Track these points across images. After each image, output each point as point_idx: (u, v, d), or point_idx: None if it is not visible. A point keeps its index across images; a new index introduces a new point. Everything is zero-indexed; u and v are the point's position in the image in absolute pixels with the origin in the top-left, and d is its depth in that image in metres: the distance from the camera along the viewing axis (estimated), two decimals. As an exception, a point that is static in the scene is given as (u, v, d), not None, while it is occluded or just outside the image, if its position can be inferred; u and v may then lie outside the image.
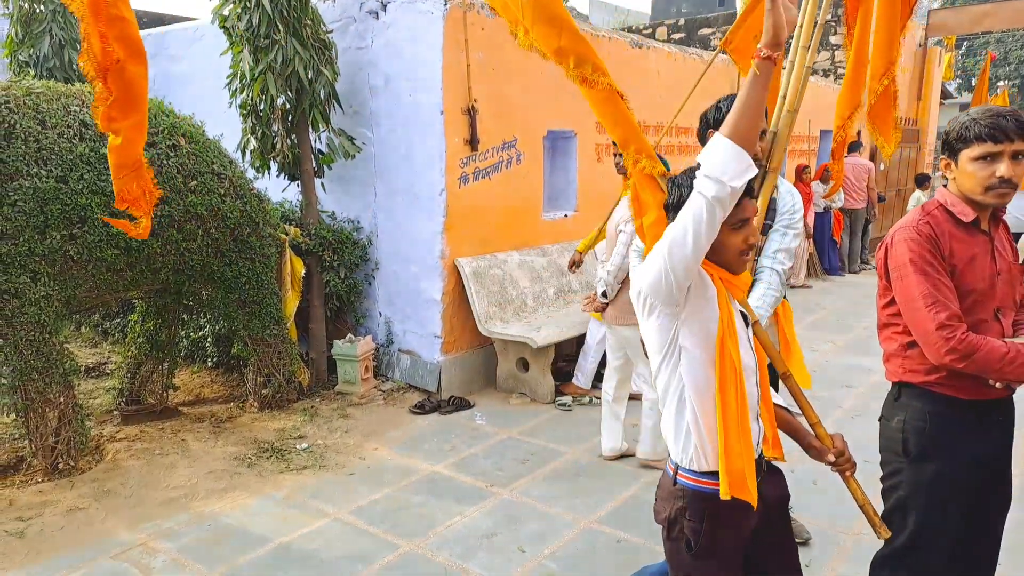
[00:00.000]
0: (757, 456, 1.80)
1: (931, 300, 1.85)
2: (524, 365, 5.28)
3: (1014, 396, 2.05)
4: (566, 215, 6.30)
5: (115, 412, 4.76)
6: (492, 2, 2.21)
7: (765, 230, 2.44)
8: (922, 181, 10.45)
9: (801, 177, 9.16)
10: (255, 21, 4.58)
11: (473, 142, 5.10)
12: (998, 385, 1.91)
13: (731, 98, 2.36)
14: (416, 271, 5.22)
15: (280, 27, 4.59)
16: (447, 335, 5.19)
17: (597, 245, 4.68)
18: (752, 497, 1.69)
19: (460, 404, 5.04)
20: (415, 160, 5.09)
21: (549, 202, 6.38)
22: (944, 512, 1.99)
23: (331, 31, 5.08)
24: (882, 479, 2.14)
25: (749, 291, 2.38)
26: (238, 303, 4.58)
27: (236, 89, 4.93)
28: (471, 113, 5.05)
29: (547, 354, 5.16)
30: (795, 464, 3.66)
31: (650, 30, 14.35)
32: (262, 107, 4.85)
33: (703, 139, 2.57)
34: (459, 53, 4.92)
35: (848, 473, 1.96)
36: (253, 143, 4.98)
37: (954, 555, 2.01)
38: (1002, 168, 1.83)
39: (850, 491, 1.99)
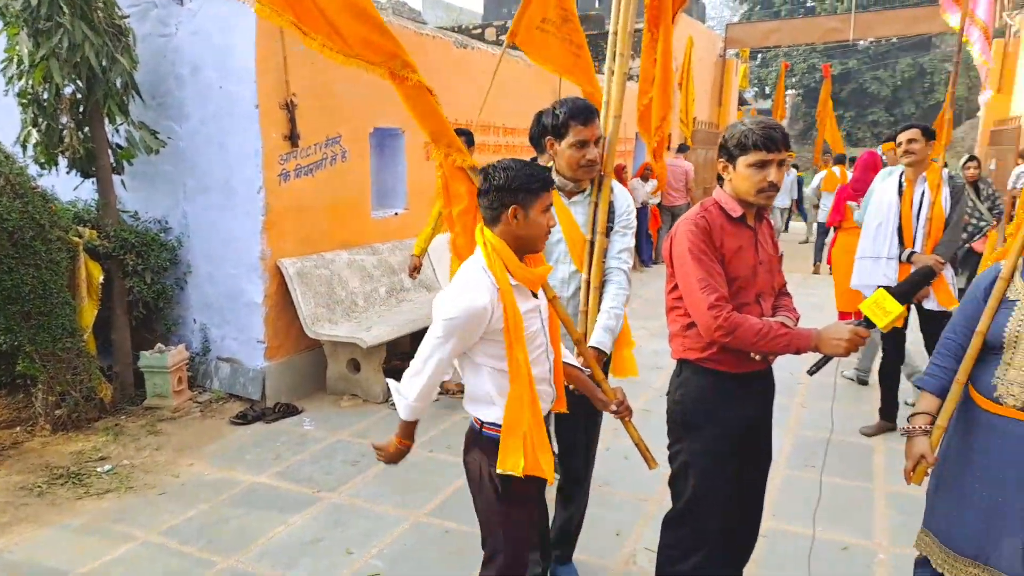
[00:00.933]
0: (546, 414, 2.11)
1: (704, 284, 2.07)
2: (355, 366, 5.18)
3: (773, 369, 2.34)
4: (396, 213, 6.26)
5: None
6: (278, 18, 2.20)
7: (608, 232, 2.55)
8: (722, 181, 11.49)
9: (621, 177, 9.77)
10: (34, 1, 4.11)
11: (293, 138, 4.92)
12: (757, 358, 2.17)
13: (566, 102, 2.42)
14: (234, 273, 4.94)
15: (65, 8, 4.15)
16: (271, 339, 4.97)
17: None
18: (546, 472, 1.94)
19: (287, 411, 4.84)
20: (230, 156, 4.82)
21: (378, 200, 6.30)
22: (716, 474, 2.23)
23: (127, 16, 4.67)
24: (668, 447, 2.36)
25: (601, 291, 2.53)
26: (22, 315, 4.08)
27: (13, 76, 4.40)
28: (290, 107, 4.87)
29: (379, 354, 5.10)
30: (610, 442, 3.90)
31: (480, 30, 14.59)
32: (45, 96, 4.36)
33: (539, 145, 2.62)
34: (274, 44, 4.72)
35: (627, 418, 2.35)
36: (36, 136, 4.46)
37: (727, 511, 2.27)
38: (772, 174, 2.08)
39: (628, 432, 2.42)
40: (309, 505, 3.61)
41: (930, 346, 4.28)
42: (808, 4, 29.81)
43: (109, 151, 4.72)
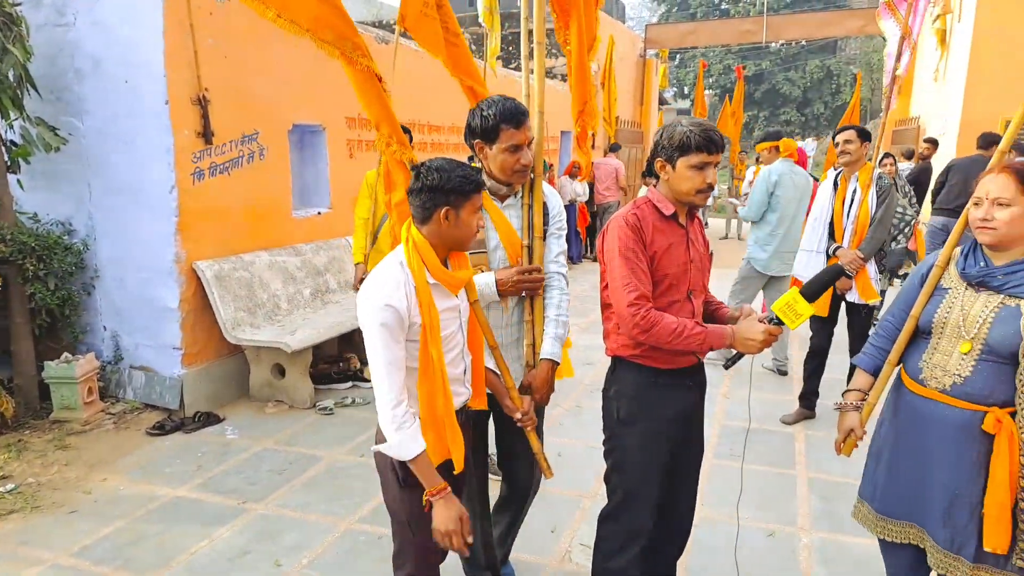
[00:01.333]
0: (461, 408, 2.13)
1: (626, 281, 2.10)
2: (280, 371, 5.01)
3: (704, 364, 2.41)
4: (319, 212, 6.09)
5: None
6: None
7: (544, 236, 2.49)
8: (646, 175, 11.77)
9: (546, 175, 9.85)
10: (-88, -15, 3.79)
11: (207, 135, 4.71)
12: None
13: (494, 103, 2.31)
14: (147, 277, 4.69)
15: (-52, -6, 3.84)
16: (188, 346, 4.75)
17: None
18: (457, 460, 2.01)
19: (208, 420, 4.64)
20: (138, 154, 4.57)
21: (300, 199, 6.12)
22: (650, 468, 2.26)
23: (19, 3, 4.36)
24: (603, 443, 2.38)
25: (543, 295, 2.49)
26: (-93, 326, 3.76)
27: None
28: (202, 103, 4.66)
29: (304, 358, 4.95)
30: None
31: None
32: (-72, 89, 4.03)
33: (471, 145, 2.56)
34: (184, 37, 4.51)
35: (529, 428, 2.36)
36: (-81, 132, 4.12)
37: (659, 504, 2.31)
38: (710, 175, 2.14)
39: (530, 441, 2.42)
40: (234, 517, 3.46)
41: (852, 336, 4.50)
42: (723, 7, 30.82)
43: (3, 148, 4.40)
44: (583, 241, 11.57)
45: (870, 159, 4.48)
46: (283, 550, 3.17)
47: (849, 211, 4.43)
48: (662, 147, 2.16)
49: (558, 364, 2.47)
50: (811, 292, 2.05)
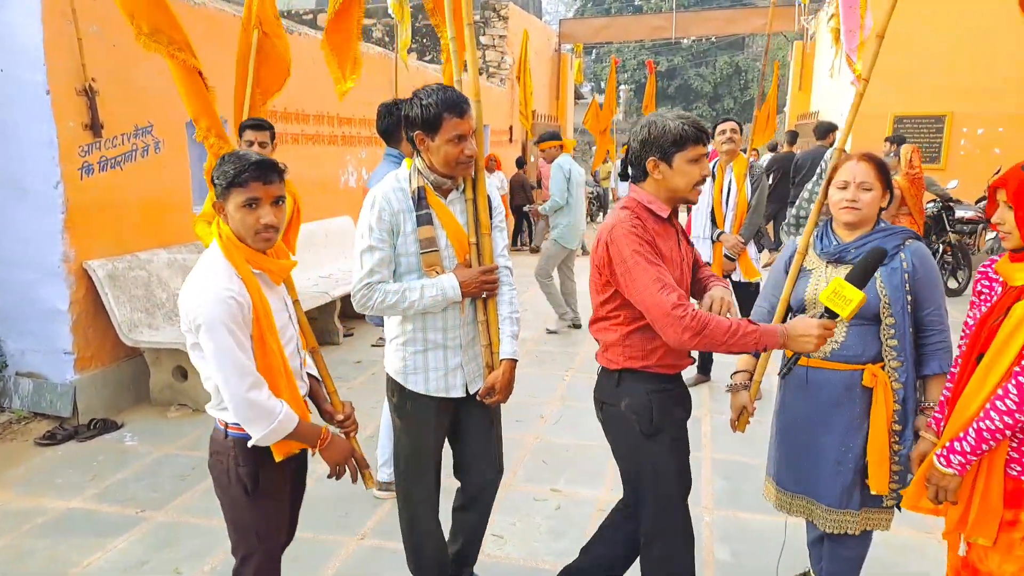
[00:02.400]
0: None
1: (661, 285, 1.95)
2: (182, 374, 4.82)
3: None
4: (223, 208, 5.88)
5: None
6: None
7: (490, 230, 2.39)
8: (623, 179, 12.07)
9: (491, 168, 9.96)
10: None
11: (95, 127, 4.46)
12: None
13: (433, 91, 2.17)
14: (32, 278, 4.41)
15: None
16: (81, 350, 4.50)
17: None
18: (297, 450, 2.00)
19: (105, 427, 4.42)
20: (19, 147, 4.28)
21: (201, 194, 5.88)
22: (683, 470, 2.23)
23: None
24: (619, 459, 2.28)
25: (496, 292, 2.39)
26: None
27: None
28: (89, 94, 4.41)
29: (208, 358, 4.77)
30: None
31: (311, 15, 14.06)
32: None
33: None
34: (66, 24, 4.25)
35: (351, 433, 2.26)
36: None
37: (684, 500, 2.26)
38: (705, 168, 2.07)
39: (352, 446, 2.24)
40: (132, 526, 3.31)
41: (741, 313, 4.73)
42: (636, 3, 31.52)
43: None
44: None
45: (743, 151, 4.82)
46: (184, 558, 3.06)
47: (727, 199, 4.76)
48: (653, 145, 2.05)
49: (517, 361, 2.40)
50: (857, 277, 1.97)
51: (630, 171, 2.17)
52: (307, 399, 2.15)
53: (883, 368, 2.21)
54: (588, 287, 2.27)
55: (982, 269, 1.99)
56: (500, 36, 12.95)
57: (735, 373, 2.48)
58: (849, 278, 1.95)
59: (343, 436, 2.19)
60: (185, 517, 3.40)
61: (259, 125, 3.89)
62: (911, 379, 2.20)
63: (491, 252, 2.35)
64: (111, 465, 3.95)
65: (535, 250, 11.62)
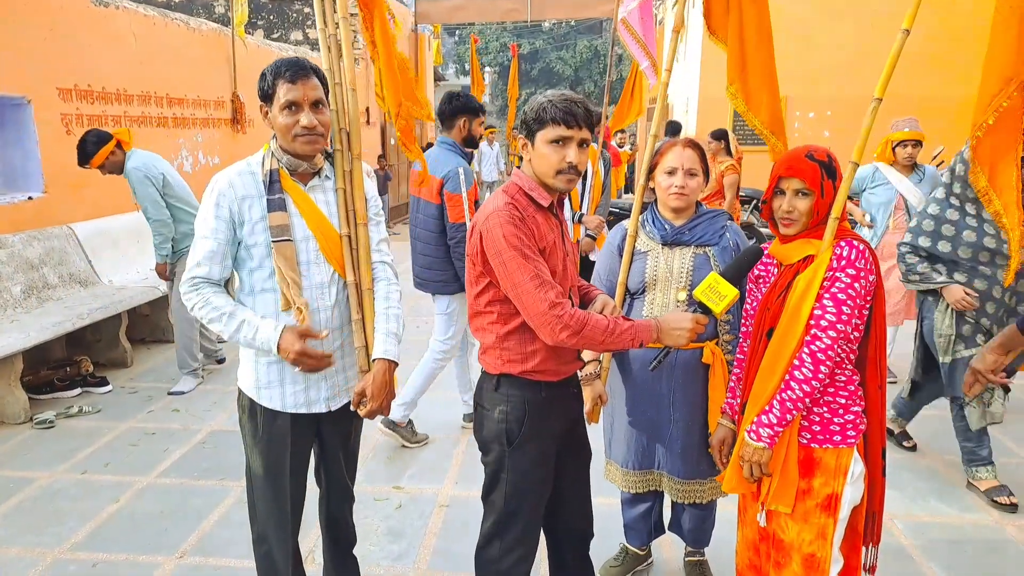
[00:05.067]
0: None
1: (538, 281, 1.82)
2: (-16, 383, 4.29)
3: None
4: (30, 197, 5.28)
5: None
6: None
7: (366, 220, 2.16)
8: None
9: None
10: None
11: None
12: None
13: (277, 60, 1.95)
14: None
15: None
16: None
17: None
18: None
19: None
20: None
21: (3, 183, 5.26)
22: (537, 480, 2.06)
23: None
24: (485, 461, 2.10)
25: (371, 288, 2.14)
26: None
27: None
28: None
29: (12, 366, 4.27)
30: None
31: (144, -11, 12.92)
32: None
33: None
34: None
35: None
36: None
37: (540, 512, 2.12)
38: (572, 154, 1.86)
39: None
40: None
41: None
42: (496, -16, 31.51)
43: None
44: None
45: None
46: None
47: (584, 183, 4.97)
48: (523, 122, 1.91)
49: (397, 364, 2.11)
50: (732, 275, 1.94)
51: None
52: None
53: (717, 344, 2.33)
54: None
55: None
56: (352, 14, 12.47)
57: (585, 364, 2.38)
58: (724, 274, 1.93)
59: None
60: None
61: None
62: None
63: (367, 245, 2.12)
64: None
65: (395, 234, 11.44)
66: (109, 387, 4.87)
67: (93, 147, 4.47)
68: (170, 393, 4.76)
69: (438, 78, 17.87)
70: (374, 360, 2.07)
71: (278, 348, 1.92)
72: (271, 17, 12.29)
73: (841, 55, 10.90)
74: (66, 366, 4.98)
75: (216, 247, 1.96)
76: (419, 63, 14.53)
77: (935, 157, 5.74)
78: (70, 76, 5.55)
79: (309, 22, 12.14)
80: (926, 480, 3.54)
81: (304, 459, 2.19)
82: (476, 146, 3.93)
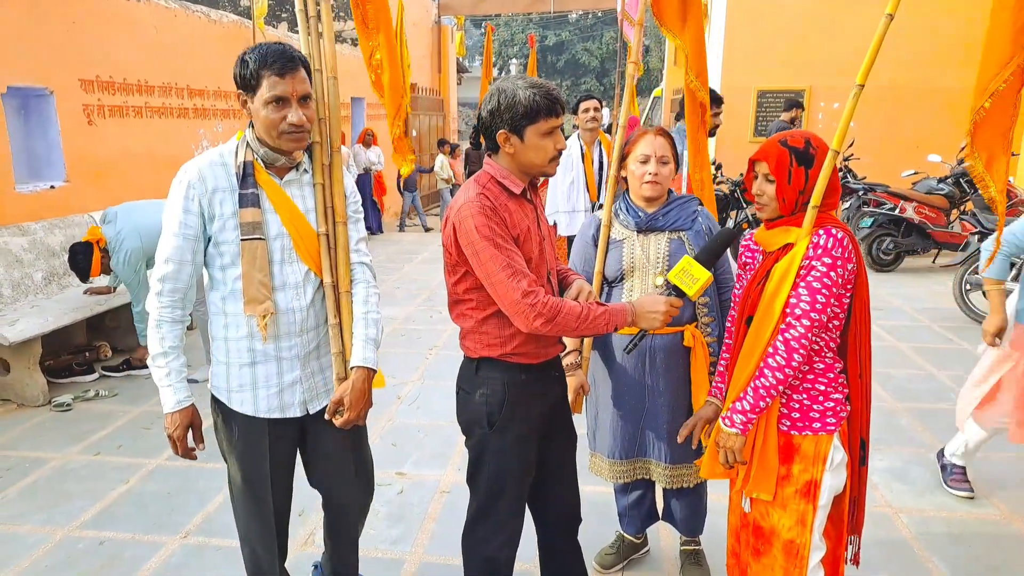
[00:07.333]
0: None
1: (511, 271, 1.82)
2: (4, 366, 4.42)
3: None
4: (52, 186, 5.41)
5: None
6: None
7: (345, 219, 2.09)
8: (442, 144, 11.74)
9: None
10: None
11: None
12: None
13: (258, 47, 1.84)
14: None
15: None
16: None
17: None
18: None
19: (-91, 430, 3.99)
20: None
21: (27, 172, 5.39)
22: (519, 464, 2.06)
23: None
24: (469, 445, 2.11)
25: (350, 289, 2.10)
26: None
27: None
28: None
29: (31, 350, 4.39)
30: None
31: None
32: None
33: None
34: None
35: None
36: None
37: (524, 494, 2.13)
38: (560, 141, 1.91)
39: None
40: (-70, 536, 3.01)
41: None
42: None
43: None
44: (380, 210, 11.39)
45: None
46: (-16, 567, 2.80)
47: (601, 172, 4.94)
48: (503, 117, 1.86)
49: (375, 372, 2.05)
50: (706, 259, 1.95)
51: (482, 141, 1.97)
52: None
53: (697, 327, 2.34)
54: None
55: (744, 242, 2.06)
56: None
57: (565, 354, 2.39)
58: (698, 258, 1.93)
59: None
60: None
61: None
62: (722, 334, 2.29)
63: (346, 244, 2.04)
64: (-87, 472, 3.57)
65: (429, 230, 11.50)
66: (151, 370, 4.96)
67: (84, 260, 4.49)
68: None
69: (462, 70, 17.88)
70: (352, 368, 2.01)
71: (167, 418, 1.98)
72: (293, 9, 12.37)
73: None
74: (86, 351, 5.11)
75: (184, 243, 1.87)
76: (442, 55, 14.55)
77: (961, 151, 5.61)
78: (92, 67, 5.67)
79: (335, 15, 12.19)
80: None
81: (286, 465, 2.14)
82: None
